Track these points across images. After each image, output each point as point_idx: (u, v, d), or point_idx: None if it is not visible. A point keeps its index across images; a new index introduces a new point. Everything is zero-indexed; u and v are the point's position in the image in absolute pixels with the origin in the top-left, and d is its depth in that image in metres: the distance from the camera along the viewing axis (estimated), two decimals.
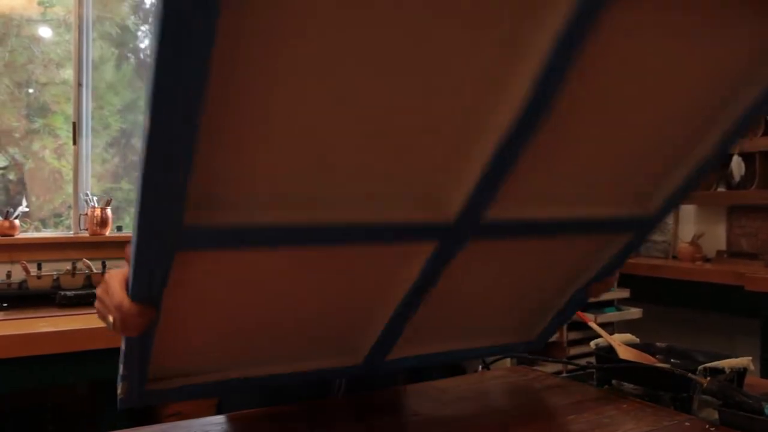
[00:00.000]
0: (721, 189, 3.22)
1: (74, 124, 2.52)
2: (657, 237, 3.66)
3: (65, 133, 2.56)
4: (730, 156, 3.16)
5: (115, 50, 2.71)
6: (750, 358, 1.15)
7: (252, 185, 0.56)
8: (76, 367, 1.79)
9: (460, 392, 1.17)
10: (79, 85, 2.54)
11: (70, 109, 2.54)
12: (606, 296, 2.98)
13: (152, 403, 0.85)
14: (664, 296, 3.24)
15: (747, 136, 3.15)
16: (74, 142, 2.52)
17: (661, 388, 1.13)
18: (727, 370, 1.13)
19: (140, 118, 2.77)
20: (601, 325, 1.94)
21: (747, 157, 3.14)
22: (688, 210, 3.59)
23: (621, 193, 0.81)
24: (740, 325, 3.25)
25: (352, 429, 1.01)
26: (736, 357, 1.17)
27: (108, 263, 2.29)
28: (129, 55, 2.77)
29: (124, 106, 2.73)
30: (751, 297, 2.72)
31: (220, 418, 1.11)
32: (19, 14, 2.49)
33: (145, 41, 2.82)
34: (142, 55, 2.82)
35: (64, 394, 2.28)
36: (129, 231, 2.66)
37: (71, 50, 2.54)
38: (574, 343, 2.90)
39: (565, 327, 2.85)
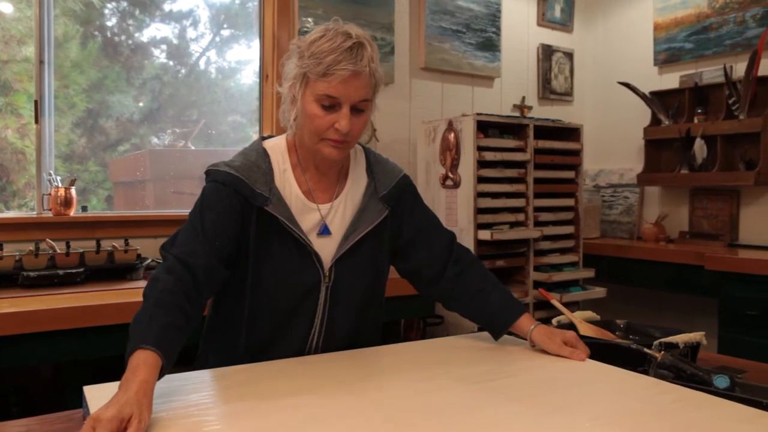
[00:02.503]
0: (684, 171, 3.29)
1: (36, 102, 2.46)
2: (623, 218, 3.73)
3: (28, 112, 2.50)
4: (693, 139, 3.22)
5: (80, 28, 2.65)
6: (703, 333, 1.19)
7: None
8: (40, 348, 1.77)
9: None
10: (41, 62, 2.48)
11: (32, 88, 2.49)
12: (571, 276, 3.04)
13: None
14: (628, 276, 3.31)
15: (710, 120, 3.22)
16: (36, 121, 2.47)
17: (619, 362, 1.16)
18: (681, 345, 1.17)
19: (107, 98, 2.72)
20: (567, 304, 1.98)
21: (709, 140, 3.20)
22: (652, 191, 3.66)
23: None
24: (700, 303, 3.34)
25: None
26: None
27: (72, 243, 2.25)
28: (95, 33, 2.71)
29: (90, 86, 2.68)
30: (711, 276, 2.79)
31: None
32: None
33: (112, 19, 2.76)
34: (108, 33, 2.76)
35: (28, 376, 2.25)
36: (95, 211, 2.62)
37: (32, 27, 2.48)
38: (540, 322, 2.94)
39: (531, 306, 2.89)
